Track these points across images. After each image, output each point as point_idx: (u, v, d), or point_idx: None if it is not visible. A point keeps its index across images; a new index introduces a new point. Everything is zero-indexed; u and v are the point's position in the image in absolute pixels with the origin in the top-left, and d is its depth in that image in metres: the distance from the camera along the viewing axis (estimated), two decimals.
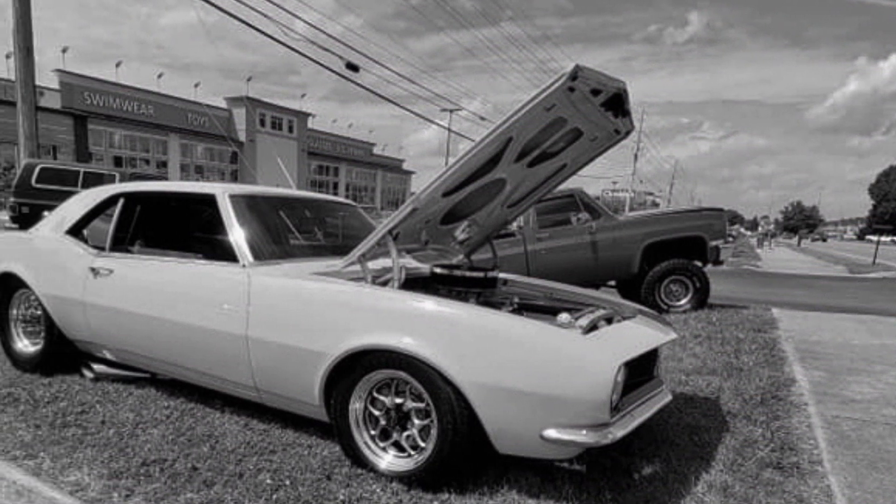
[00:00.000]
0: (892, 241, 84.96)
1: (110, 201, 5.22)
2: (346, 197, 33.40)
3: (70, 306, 4.91)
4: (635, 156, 69.73)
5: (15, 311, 5.49)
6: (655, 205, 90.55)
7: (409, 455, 3.51)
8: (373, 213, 34.27)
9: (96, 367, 5.09)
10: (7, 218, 15.78)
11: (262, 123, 50.04)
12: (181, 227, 5.60)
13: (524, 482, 3.46)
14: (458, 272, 4.46)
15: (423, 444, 3.45)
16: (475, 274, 4.46)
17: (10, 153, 33.61)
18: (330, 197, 6.17)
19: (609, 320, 3.97)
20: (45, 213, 6.27)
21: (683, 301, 10.11)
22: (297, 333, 3.73)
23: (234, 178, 49.19)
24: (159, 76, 61.69)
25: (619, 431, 3.18)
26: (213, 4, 14.85)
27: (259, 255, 4.18)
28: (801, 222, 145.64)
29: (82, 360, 5.21)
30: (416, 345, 3.30)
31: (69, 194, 6.07)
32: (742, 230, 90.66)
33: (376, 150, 67.68)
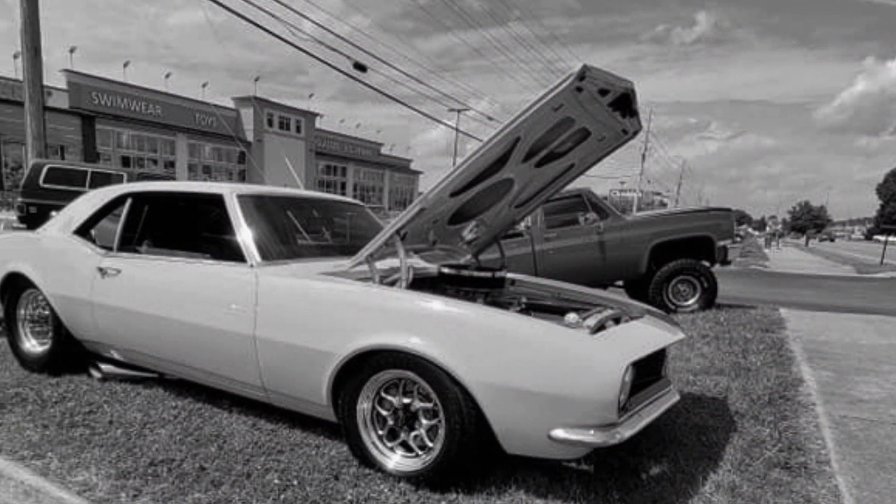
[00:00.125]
0: None
1: (118, 201, 5.22)
2: (354, 197, 33.44)
3: (78, 306, 4.92)
4: (643, 156, 69.58)
5: (23, 311, 5.50)
6: (663, 205, 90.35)
7: (417, 455, 3.50)
8: (380, 213, 34.29)
9: (104, 367, 5.10)
10: (15, 218, 15.81)
11: (270, 123, 50.05)
12: (189, 228, 5.61)
13: (532, 482, 3.46)
14: (465, 272, 4.46)
15: (430, 444, 3.45)
16: (483, 274, 4.45)
17: (18, 153, 33.66)
18: (338, 197, 6.18)
19: (617, 320, 3.97)
20: (53, 213, 6.27)
21: (691, 301, 10.09)
22: (305, 333, 3.73)
23: (242, 178, 49.21)
24: (167, 76, 61.91)
25: (626, 431, 3.17)
26: (221, 4, 14.86)
27: (267, 255, 4.18)
28: (808, 222, 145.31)
29: (90, 360, 5.22)
30: (424, 345, 3.29)
31: (77, 194, 6.08)
32: (750, 230, 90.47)
33: (384, 150, 67.64)
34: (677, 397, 4.00)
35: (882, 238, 48.86)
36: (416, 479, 3.39)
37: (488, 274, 4.45)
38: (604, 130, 4.08)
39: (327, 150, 58.42)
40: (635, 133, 4.27)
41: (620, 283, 11.15)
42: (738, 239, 11.45)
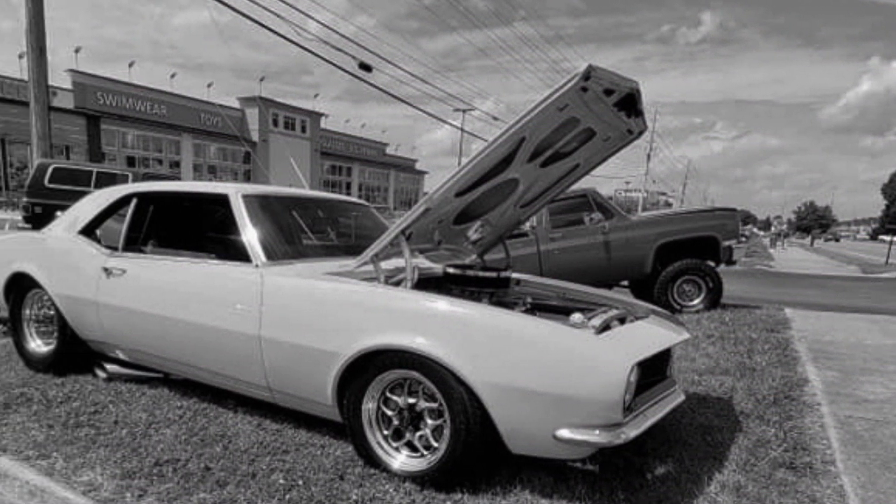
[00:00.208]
0: None
1: (123, 201, 5.23)
2: (359, 197, 33.43)
3: (83, 306, 4.93)
4: (648, 156, 69.57)
5: (28, 311, 5.51)
6: (668, 205, 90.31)
7: (422, 455, 3.51)
8: (385, 213, 34.27)
9: (109, 367, 5.11)
10: (20, 218, 15.82)
11: (275, 123, 49.99)
12: (194, 227, 5.61)
13: (537, 482, 3.46)
14: (470, 272, 4.46)
15: (435, 444, 3.45)
16: (488, 274, 4.45)
17: (23, 153, 33.72)
18: (343, 197, 6.18)
19: (622, 320, 3.96)
20: (58, 213, 6.29)
21: (696, 301, 10.07)
22: (310, 333, 3.73)
23: (247, 178, 49.19)
24: (172, 76, 61.72)
25: (632, 431, 3.17)
26: (226, 4, 14.87)
27: (272, 255, 4.19)
28: (813, 222, 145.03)
29: (95, 359, 5.23)
30: (429, 345, 3.30)
31: (82, 194, 6.09)
32: (755, 230, 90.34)
33: (389, 150, 67.55)
34: (682, 397, 3.99)
35: (887, 238, 48.75)
36: (422, 479, 3.39)
37: (493, 274, 4.45)
38: (609, 130, 4.08)
39: (332, 150, 58.39)
40: (640, 133, 4.27)
41: (625, 283, 11.14)
42: (744, 239, 11.45)
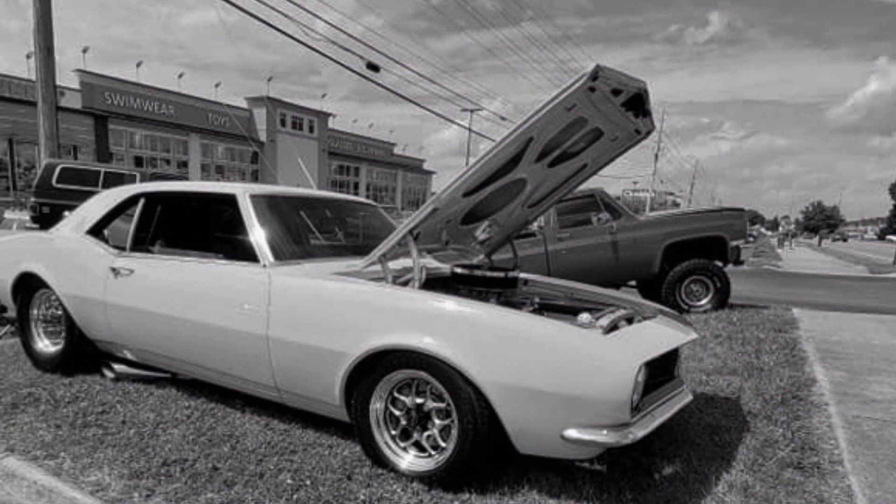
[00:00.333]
0: None
1: (131, 201, 5.24)
2: (367, 197, 33.46)
3: (91, 306, 4.94)
4: (656, 156, 69.38)
5: (35, 311, 5.52)
6: (676, 205, 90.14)
7: (430, 455, 3.50)
8: (393, 213, 34.28)
9: (117, 367, 5.12)
10: (28, 218, 15.87)
11: (283, 123, 50.02)
12: (201, 227, 5.63)
13: (545, 482, 3.45)
14: (478, 272, 4.45)
15: (443, 444, 3.45)
16: (496, 274, 4.45)
17: (31, 153, 33.77)
18: (350, 197, 6.18)
19: (630, 320, 3.96)
20: (66, 213, 6.30)
21: (704, 301, 10.07)
22: (318, 333, 3.73)
23: (255, 178, 49.22)
24: (180, 76, 61.98)
25: (639, 431, 3.17)
26: (233, 4, 14.89)
27: (280, 255, 4.19)
28: (821, 222, 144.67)
29: (103, 360, 5.24)
30: (437, 345, 3.29)
31: (90, 194, 6.10)
32: (762, 230, 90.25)
33: (397, 150, 67.53)
34: (690, 397, 3.99)
35: (894, 238, 48.64)
36: (429, 479, 3.39)
37: (501, 274, 4.44)
38: (616, 130, 4.07)
39: (340, 150, 58.42)
40: (648, 133, 4.26)
41: (633, 283, 11.13)
42: (751, 239, 11.44)
